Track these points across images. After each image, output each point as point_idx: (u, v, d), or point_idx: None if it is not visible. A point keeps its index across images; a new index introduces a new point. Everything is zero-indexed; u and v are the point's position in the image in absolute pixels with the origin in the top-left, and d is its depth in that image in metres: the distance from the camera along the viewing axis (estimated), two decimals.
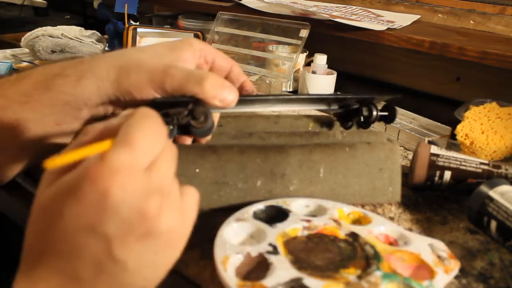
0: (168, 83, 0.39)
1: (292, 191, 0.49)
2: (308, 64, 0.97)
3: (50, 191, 0.27)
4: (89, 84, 0.41)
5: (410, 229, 0.49)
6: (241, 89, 0.48)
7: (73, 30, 1.05)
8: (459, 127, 0.68)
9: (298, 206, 0.47)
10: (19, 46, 1.06)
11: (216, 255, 0.39)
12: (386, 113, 0.54)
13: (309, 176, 0.49)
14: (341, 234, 0.43)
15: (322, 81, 0.92)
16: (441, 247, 0.42)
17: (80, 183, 0.25)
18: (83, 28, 1.08)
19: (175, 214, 0.28)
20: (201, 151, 0.48)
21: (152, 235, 0.27)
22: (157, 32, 0.99)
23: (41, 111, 0.41)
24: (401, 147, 0.70)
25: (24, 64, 0.99)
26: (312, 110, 0.73)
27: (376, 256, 0.40)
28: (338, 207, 0.47)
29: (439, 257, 0.40)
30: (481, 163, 0.54)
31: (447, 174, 0.53)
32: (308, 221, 0.44)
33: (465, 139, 0.67)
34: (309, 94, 0.88)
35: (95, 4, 1.25)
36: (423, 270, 0.39)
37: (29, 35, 1.02)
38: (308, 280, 0.36)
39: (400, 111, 0.77)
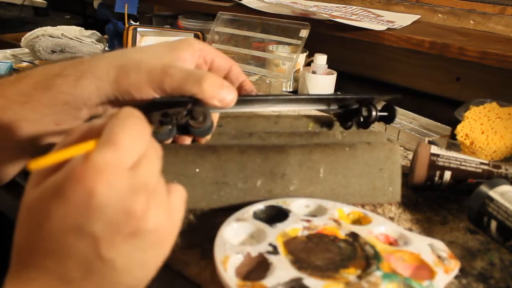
0: (167, 83, 0.39)
1: (292, 191, 0.49)
2: (308, 64, 0.97)
3: (37, 192, 0.27)
4: (89, 84, 0.41)
5: (410, 229, 0.49)
6: (240, 89, 0.48)
7: (73, 30, 1.05)
8: (459, 127, 0.68)
9: (298, 206, 0.47)
10: (19, 46, 1.06)
11: (216, 255, 0.39)
12: (386, 113, 0.54)
13: (309, 176, 0.49)
14: (341, 234, 0.43)
15: (322, 81, 0.91)
16: (441, 247, 0.42)
17: (66, 183, 0.25)
18: (83, 28, 1.08)
19: (162, 212, 0.28)
20: (201, 151, 0.48)
21: (140, 233, 0.27)
22: (157, 32, 0.99)
23: (40, 111, 0.41)
24: (401, 147, 0.70)
25: (24, 64, 0.99)
26: (312, 110, 0.73)
27: (376, 256, 0.40)
28: (338, 207, 0.47)
29: (439, 257, 0.40)
30: (481, 163, 0.54)
31: (447, 174, 0.53)
32: (308, 221, 0.44)
33: (465, 139, 0.67)
34: (309, 94, 0.88)
35: (95, 4, 1.25)
36: (423, 270, 0.39)
37: (29, 35, 1.02)
38: (308, 280, 0.36)
39: (400, 111, 0.77)
